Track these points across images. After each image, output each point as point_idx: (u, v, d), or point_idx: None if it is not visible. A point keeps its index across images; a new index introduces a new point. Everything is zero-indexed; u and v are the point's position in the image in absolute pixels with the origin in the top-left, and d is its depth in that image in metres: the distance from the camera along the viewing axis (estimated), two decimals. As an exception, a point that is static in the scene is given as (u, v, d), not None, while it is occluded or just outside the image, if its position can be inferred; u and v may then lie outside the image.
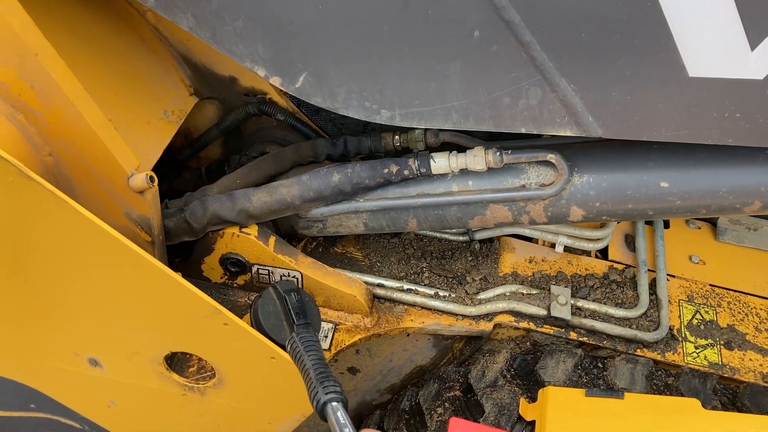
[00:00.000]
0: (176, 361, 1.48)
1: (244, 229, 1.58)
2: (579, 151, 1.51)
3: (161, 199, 1.63)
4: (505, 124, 1.33)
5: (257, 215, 1.56)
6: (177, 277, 1.24)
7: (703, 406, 1.42)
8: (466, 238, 1.86)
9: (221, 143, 1.90)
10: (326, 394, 0.98)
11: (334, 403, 0.96)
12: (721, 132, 1.26)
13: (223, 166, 1.91)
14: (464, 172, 1.53)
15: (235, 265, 1.64)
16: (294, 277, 1.63)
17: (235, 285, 1.70)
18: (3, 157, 1.09)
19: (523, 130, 1.33)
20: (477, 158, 1.48)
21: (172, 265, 1.67)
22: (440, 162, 1.52)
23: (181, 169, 1.89)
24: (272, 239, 1.61)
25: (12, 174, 1.11)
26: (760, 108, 1.20)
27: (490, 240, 1.86)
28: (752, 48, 1.14)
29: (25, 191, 1.14)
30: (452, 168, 1.51)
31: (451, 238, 1.87)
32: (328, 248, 1.86)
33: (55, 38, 1.22)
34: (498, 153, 1.47)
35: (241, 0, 1.27)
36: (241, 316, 1.64)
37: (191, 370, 1.50)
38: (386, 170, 1.54)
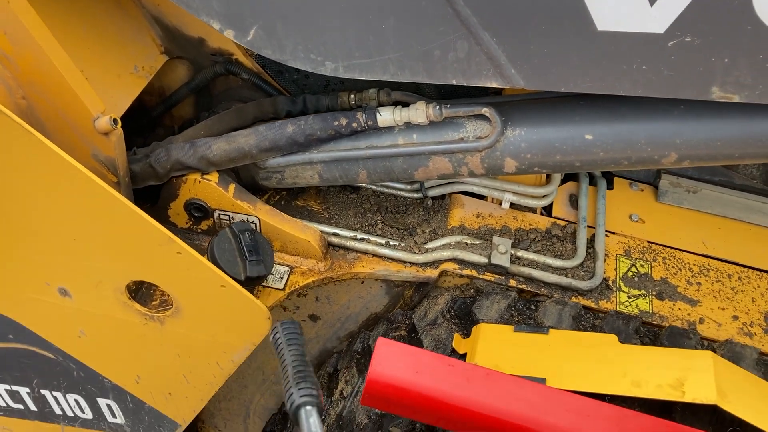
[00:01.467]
0: (141, 295, 1.62)
1: (205, 176, 1.72)
2: (513, 106, 1.63)
3: (131, 148, 1.77)
4: (437, 75, 1.46)
5: (217, 162, 1.69)
6: (134, 207, 1.37)
7: (623, 342, 1.55)
8: (420, 195, 1.98)
9: (193, 102, 2.03)
10: (301, 396, 0.94)
11: (308, 407, 0.92)
12: (630, 84, 1.37)
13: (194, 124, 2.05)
14: (409, 126, 1.66)
15: (198, 210, 1.77)
16: (252, 222, 1.76)
17: (199, 230, 1.84)
18: (-26, 91, 1.22)
19: (453, 82, 1.46)
20: (418, 112, 1.61)
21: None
22: (386, 115, 1.64)
23: (154, 126, 2.03)
24: (232, 186, 1.74)
25: (-17, 107, 1.25)
26: (663, 60, 1.32)
27: (443, 197, 1.99)
28: (651, 4, 1.26)
29: (-4, 124, 1.28)
30: (396, 121, 1.64)
31: (407, 195, 2.00)
32: (290, 201, 1.99)
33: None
34: (437, 107, 1.60)
35: (195, -43, 1.40)
36: (204, 259, 1.78)
37: (154, 303, 1.63)
38: (336, 122, 1.67)
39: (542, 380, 1.48)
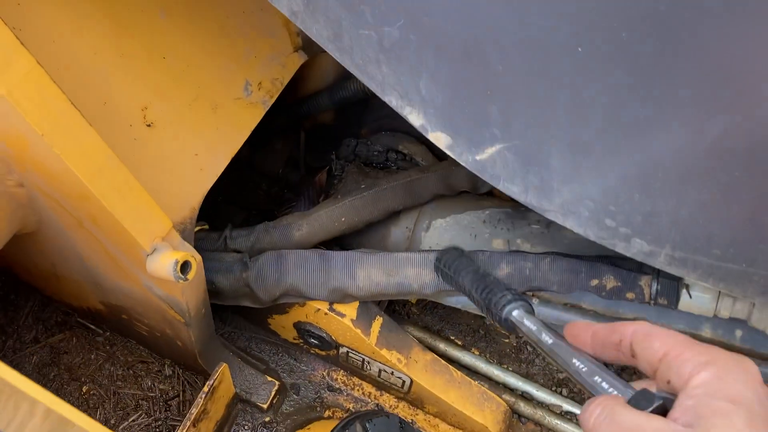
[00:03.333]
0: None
1: (336, 307, 0.99)
2: None
3: (225, 210, 1.06)
4: None
5: (359, 297, 0.96)
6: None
7: None
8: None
9: (332, 116, 1.25)
10: (501, 309, 0.73)
11: (514, 313, 0.72)
12: None
13: (331, 134, 1.28)
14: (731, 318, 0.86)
15: (316, 339, 1.07)
16: (399, 378, 1.05)
17: (312, 352, 1.14)
18: None
19: None
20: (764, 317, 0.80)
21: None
22: (700, 302, 0.84)
23: (272, 135, 1.27)
24: (377, 326, 1.01)
25: None
26: None
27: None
28: None
29: None
30: (720, 314, 0.84)
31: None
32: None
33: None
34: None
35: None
36: (315, 404, 1.11)
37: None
38: (595, 282, 0.88)
39: None
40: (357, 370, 1.11)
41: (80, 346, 1.12)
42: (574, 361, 0.60)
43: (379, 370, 1.06)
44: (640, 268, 0.87)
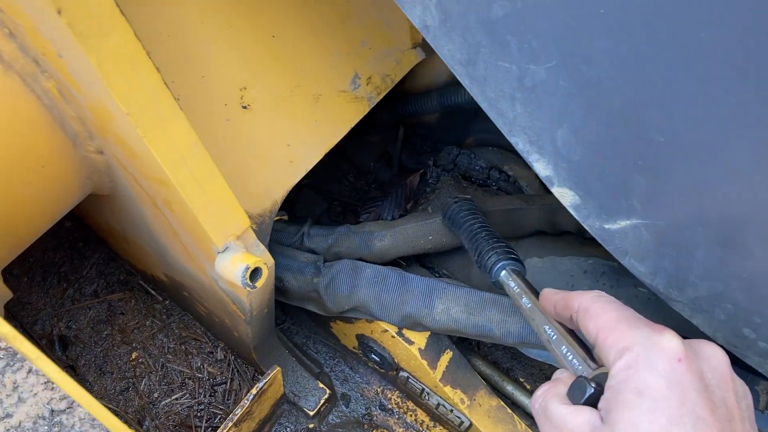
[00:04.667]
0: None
1: (405, 332, 0.91)
2: None
3: (306, 202, 1.00)
4: None
5: (432, 329, 0.88)
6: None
7: None
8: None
9: (437, 118, 1.16)
10: (489, 271, 0.74)
11: (501, 274, 0.73)
12: None
13: (433, 136, 1.19)
14: None
15: (376, 356, 0.99)
16: (458, 417, 0.97)
17: (370, 365, 1.07)
18: None
19: None
20: None
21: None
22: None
23: (370, 126, 1.19)
24: (444, 360, 0.93)
25: None
26: None
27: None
28: None
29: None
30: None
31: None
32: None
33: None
34: None
35: (559, 29, 0.47)
36: (363, 420, 1.05)
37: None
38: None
39: None
40: (414, 396, 1.03)
41: (137, 310, 1.08)
42: (545, 327, 0.61)
43: (438, 404, 0.98)
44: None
